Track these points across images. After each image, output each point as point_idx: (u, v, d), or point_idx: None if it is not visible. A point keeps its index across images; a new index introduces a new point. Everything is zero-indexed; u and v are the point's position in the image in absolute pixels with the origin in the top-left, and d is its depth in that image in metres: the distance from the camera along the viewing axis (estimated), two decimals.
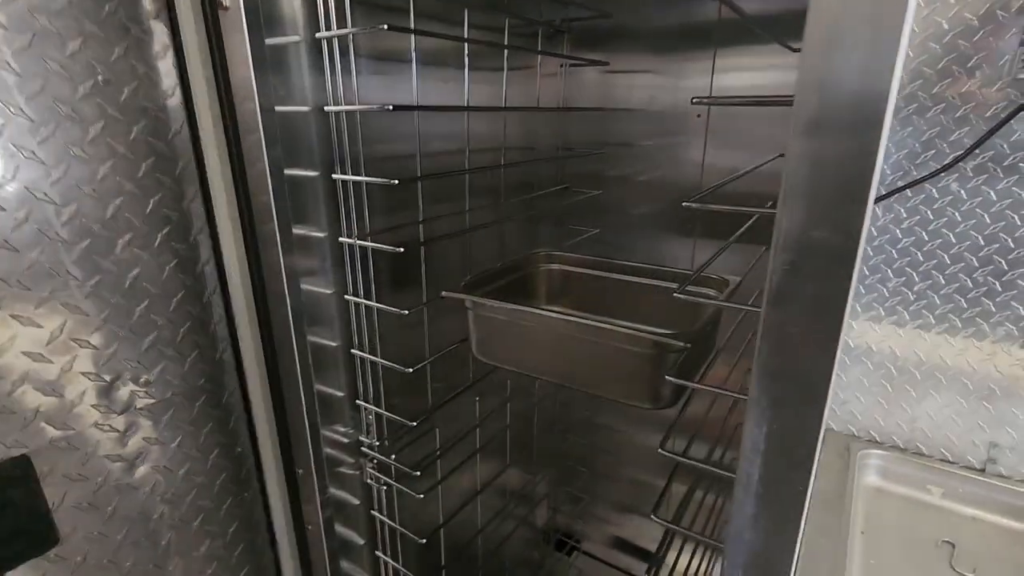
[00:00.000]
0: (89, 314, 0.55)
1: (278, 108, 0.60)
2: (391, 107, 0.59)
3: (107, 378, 0.57)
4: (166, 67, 0.58)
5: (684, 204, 0.44)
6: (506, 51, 0.83)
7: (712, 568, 0.98)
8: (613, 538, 1.44)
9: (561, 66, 1.06)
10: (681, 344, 0.55)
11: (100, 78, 0.53)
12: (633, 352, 0.60)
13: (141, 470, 0.62)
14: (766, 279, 0.33)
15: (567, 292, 0.90)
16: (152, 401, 0.61)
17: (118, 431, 0.59)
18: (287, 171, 0.63)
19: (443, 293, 0.72)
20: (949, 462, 0.96)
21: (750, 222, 0.64)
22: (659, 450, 0.52)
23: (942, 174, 0.82)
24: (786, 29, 0.87)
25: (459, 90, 0.83)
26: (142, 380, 0.60)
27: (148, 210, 0.59)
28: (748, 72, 0.94)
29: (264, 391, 0.72)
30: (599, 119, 1.09)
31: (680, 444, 1.21)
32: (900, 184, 0.85)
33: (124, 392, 0.59)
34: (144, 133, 0.58)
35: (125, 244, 0.57)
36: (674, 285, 0.81)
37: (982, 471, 0.94)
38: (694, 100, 0.41)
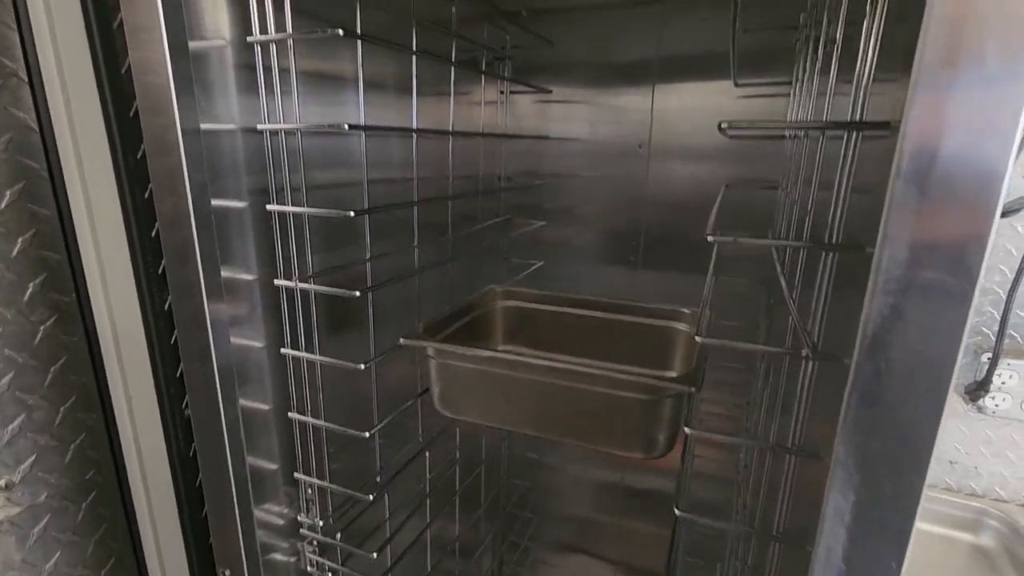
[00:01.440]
0: None
1: (203, 126, 0.49)
2: (347, 125, 0.50)
3: None
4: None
5: (709, 238, 0.40)
6: (452, 73, 0.77)
7: None
8: None
9: (502, 92, 1.02)
10: (685, 388, 0.51)
11: None
12: (627, 398, 0.55)
13: None
14: (860, 326, 0.29)
15: (526, 330, 0.84)
16: (17, 510, 0.45)
17: None
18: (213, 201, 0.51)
19: (402, 340, 0.63)
20: None
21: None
22: (676, 511, 0.46)
23: None
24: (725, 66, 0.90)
25: (400, 118, 0.76)
26: (2, 482, 0.44)
27: (14, 253, 0.44)
28: (688, 105, 0.95)
29: (170, 477, 0.57)
30: (539, 150, 1.06)
31: (659, 480, 1.18)
32: None
33: None
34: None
35: None
36: (636, 319, 0.78)
37: None
38: (724, 126, 0.37)
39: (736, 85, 0.87)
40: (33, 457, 0.46)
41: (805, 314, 0.43)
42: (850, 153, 0.36)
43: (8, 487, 0.44)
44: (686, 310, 0.75)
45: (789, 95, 0.86)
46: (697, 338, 0.42)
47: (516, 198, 1.08)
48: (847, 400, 0.30)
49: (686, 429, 0.44)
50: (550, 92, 1.01)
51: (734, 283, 0.95)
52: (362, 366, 0.57)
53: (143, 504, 0.56)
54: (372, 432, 0.60)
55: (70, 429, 0.48)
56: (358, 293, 0.55)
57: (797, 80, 0.79)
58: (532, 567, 1.37)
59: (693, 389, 0.50)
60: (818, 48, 0.61)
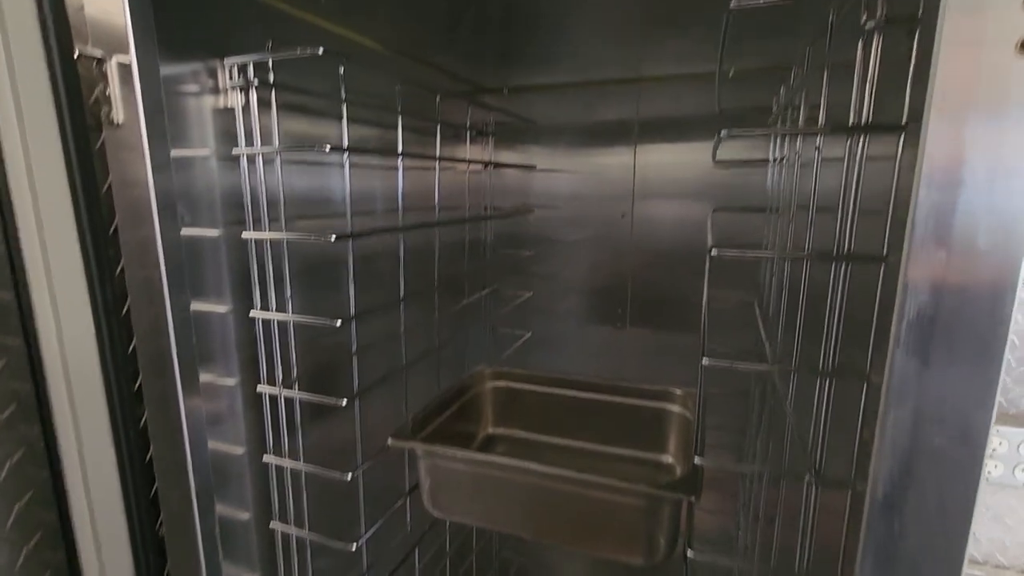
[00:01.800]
0: None
1: (184, 232, 0.48)
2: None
3: None
4: None
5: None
6: (438, 166, 0.77)
7: None
8: None
9: (485, 166, 1.03)
10: (683, 496, 0.49)
11: None
12: (625, 504, 0.53)
13: None
14: (875, 444, 0.28)
15: (517, 411, 0.82)
16: None
17: None
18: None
19: (390, 441, 0.61)
20: None
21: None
22: None
23: None
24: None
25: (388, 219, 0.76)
26: None
27: None
28: (669, 166, 0.97)
29: (128, 555, 0.53)
30: (523, 218, 1.07)
31: None
32: None
33: None
34: None
35: None
36: (628, 400, 0.77)
37: None
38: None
39: (715, 163, 0.89)
40: None
41: (806, 428, 0.42)
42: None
43: None
44: (678, 391, 0.74)
45: (767, 160, 0.88)
46: (697, 459, 0.41)
47: (501, 262, 1.08)
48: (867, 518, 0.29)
49: (689, 552, 0.43)
50: (533, 168, 1.02)
51: (724, 335, 0.94)
52: (348, 476, 0.55)
53: None
54: (359, 544, 0.57)
55: (15, 486, 0.45)
56: (344, 402, 0.53)
57: (776, 139, 0.80)
58: None
59: (693, 498, 0.49)
60: (798, 112, 0.62)
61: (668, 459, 0.74)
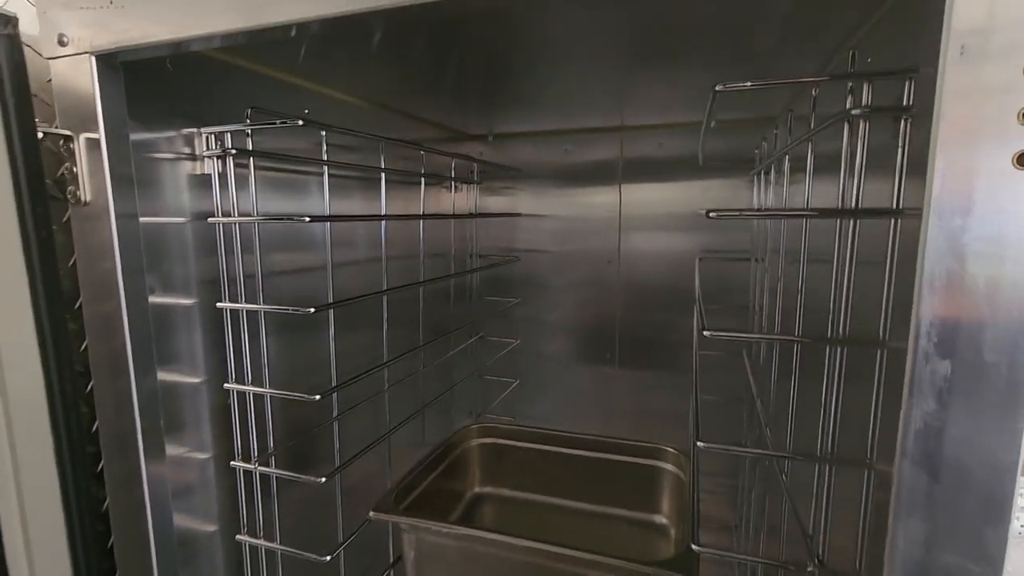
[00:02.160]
0: None
1: (154, 300, 0.45)
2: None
3: None
4: None
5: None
6: (422, 224, 0.76)
7: None
8: None
9: (471, 213, 1.02)
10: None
11: None
12: None
13: None
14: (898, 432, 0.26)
15: (504, 468, 0.79)
16: None
17: None
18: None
19: (371, 514, 0.58)
20: None
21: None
22: None
23: None
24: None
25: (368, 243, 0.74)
26: None
27: None
28: (655, 203, 0.97)
29: None
30: (507, 263, 1.06)
31: None
32: None
33: None
34: None
35: None
36: (619, 457, 0.75)
37: None
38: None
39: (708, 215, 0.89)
40: None
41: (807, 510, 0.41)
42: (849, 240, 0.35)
43: None
44: (670, 449, 0.72)
45: (752, 190, 0.89)
46: (694, 547, 0.39)
47: (486, 310, 1.07)
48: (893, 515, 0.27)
49: None
50: (518, 215, 1.02)
51: (714, 386, 0.93)
52: (327, 558, 0.52)
53: None
54: None
55: None
56: (323, 479, 0.50)
57: (760, 175, 0.80)
58: None
59: None
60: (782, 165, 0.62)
61: (662, 519, 0.72)
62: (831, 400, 0.37)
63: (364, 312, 0.72)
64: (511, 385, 1.03)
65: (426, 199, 0.79)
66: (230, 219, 0.50)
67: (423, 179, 0.77)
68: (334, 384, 0.55)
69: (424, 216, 0.72)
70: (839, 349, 0.36)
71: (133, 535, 0.49)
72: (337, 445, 0.61)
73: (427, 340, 0.78)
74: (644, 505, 0.73)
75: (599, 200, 0.99)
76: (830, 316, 0.36)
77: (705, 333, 0.38)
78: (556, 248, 1.03)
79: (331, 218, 0.56)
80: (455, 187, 0.95)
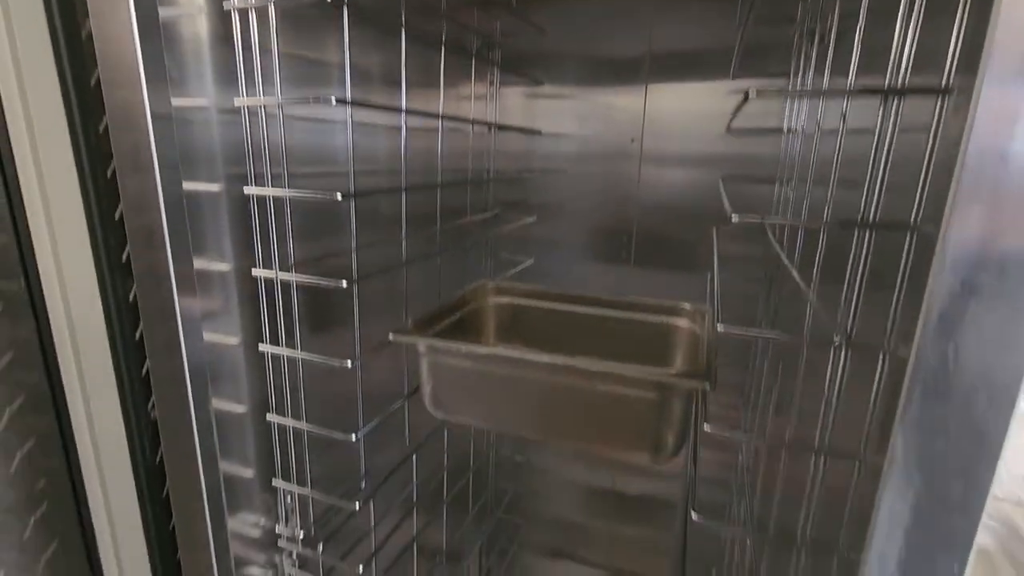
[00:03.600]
0: None
1: (175, 102, 0.44)
2: (334, 100, 0.46)
3: None
4: None
5: (733, 218, 0.37)
6: (443, 54, 0.73)
7: None
8: None
9: (492, 84, 0.98)
10: (699, 384, 0.48)
11: None
12: (636, 397, 0.51)
13: None
14: (921, 312, 0.26)
15: (520, 327, 0.80)
16: None
17: None
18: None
19: (391, 336, 0.58)
20: None
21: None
22: (692, 514, 0.43)
23: None
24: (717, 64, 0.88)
25: (388, 115, 0.72)
26: None
27: None
28: (679, 100, 0.94)
29: (133, 487, 0.52)
30: (528, 147, 1.03)
31: (649, 484, 1.15)
32: None
33: None
34: None
35: None
36: (636, 315, 0.75)
37: None
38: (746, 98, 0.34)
39: (732, 78, 0.85)
40: None
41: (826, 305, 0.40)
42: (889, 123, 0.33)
43: None
44: (686, 305, 0.72)
45: (786, 96, 0.85)
46: (719, 326, 0.39)
47: (505, 194, 1.05)
48: (906, 395, 0.27)
49: (706, 426, 0.41)
50: (542, 84, 0.98)
51: (730, 283, 0.93)
52: (348, 363, 0.53)
53: (102, 517, 0.50)
54: (359, 436, 0.55)
55: (16, 434, 0.43)
56: (344, 283, 0.50)
57: (795, 75, 0.77)
58: (520, 574, 1.33)
59: (707, 385, 0.47)
60: (814, 42, 0.59)
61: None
62: (854, 285, 0.36)
63: (383, 218, 0.70)
64: (523, 263, 1.03)
65: (445, 100, 0.76)
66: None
67: (444, 27, 0.74)
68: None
69: (443, 116, 0.69)
70: (867, 234, 0.34)
71: (166, 358, 0.50)
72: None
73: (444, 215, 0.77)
74: (659, 361, 0.74)
75: (625, 91, 0.95)
76: (862, 200, 0.34)
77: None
78: (577, 132, 1.00)
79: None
80: (476, 48, 0.90)
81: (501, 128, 0.99)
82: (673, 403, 0.51)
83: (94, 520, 0.50)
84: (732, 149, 0.92)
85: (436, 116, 0.74)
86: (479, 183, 0.99)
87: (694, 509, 0.42)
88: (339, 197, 0.47)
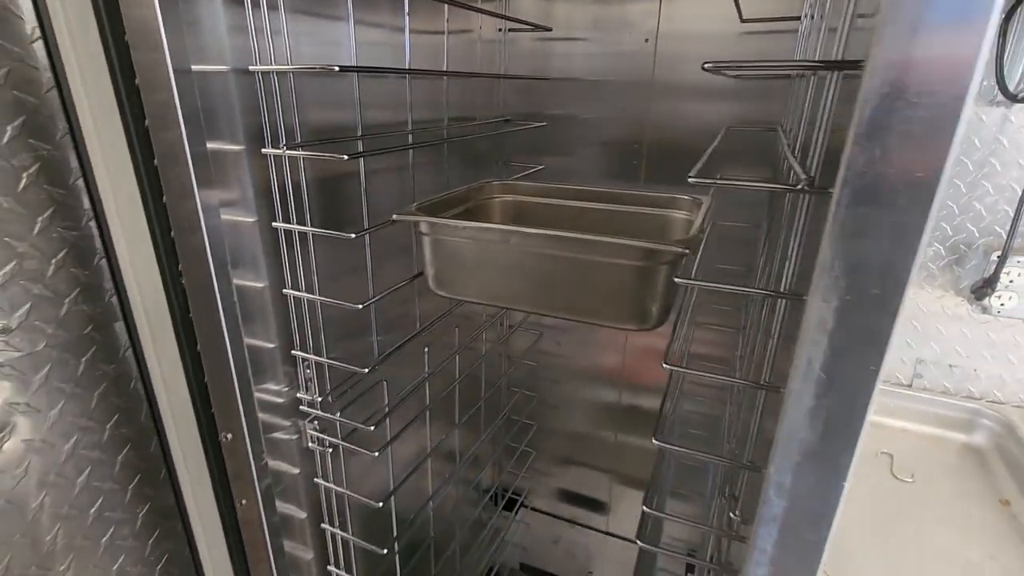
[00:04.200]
0: None
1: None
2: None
3: None
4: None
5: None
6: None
7: None
8: (557, 491, 1.43)
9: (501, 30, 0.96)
10: (680, 250, 0.50)
11: None
12: (623, 266, 0.54)
13: (6, 447, 0.47)
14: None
15: (522, 223, 0.83)
16: (17, 354, 0.46)
17: None
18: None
19: (395, 216, 0.62)
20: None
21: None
22: (653, 440, 0.47)
23: None
24: None
25: (395, 54, 0.73)
26: None
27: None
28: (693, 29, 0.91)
29: (173, 336, 0.58)
30: (541, 55, 1.02)
31: (653, 400, 1.21)
32: None
33: None
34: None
35: None
36: (637, 208, 0.77)
37: (909, 386, 1.00)
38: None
39: (742, 21, 0.82)
40: (28, 305, 0.46)
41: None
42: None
43: (5, 331, 0.45)
44: (685, 197, 0.73)
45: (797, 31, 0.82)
46: (702, 198, 0.41)
47: (517, 103, 1.05)
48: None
49: (677, 280, 0.44)
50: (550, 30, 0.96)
51: (730, 228, 0.94)
52: (352, 235, 0.57)
53: (153, 359, 0.57)
54: (367, 304, 0.60)
55: (64, 282, 0.49)
56: (346, 157, 0.53)
57: (805, 16, 0.74)
58: (532, 477, 1.42)
59: (687, 251, 0.49)
60: None
61: None
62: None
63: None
64: (534, 168, 1.04)
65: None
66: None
67: None
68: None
69: (450, 33, 0.68)
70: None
71: (188, 233, 0.54)
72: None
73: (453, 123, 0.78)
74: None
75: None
76: None
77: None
78: (591, 34, 0.99)
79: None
80: None
81: (512, 29, 0.98)
82: (656, 271, 0.53)
83: (145, 362, 0.57)
84: (749, 48, 0.90)
85: (442, 73, 0.73)
86: (489, 89, 0.99)
87: (655, 438, 0.46)
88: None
